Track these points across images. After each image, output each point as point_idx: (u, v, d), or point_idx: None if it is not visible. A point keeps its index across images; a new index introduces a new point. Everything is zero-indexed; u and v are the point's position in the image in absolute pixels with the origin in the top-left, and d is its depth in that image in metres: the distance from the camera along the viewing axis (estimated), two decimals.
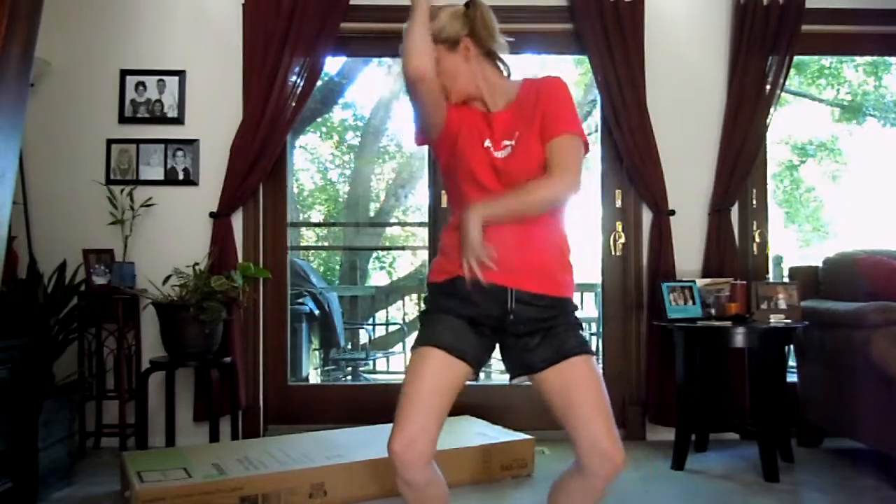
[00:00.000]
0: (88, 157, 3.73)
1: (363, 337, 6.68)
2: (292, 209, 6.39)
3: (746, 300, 3.42)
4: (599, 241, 3.96)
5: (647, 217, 3.85)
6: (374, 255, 8.24)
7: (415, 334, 1.79)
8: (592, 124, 6.18)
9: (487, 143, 1.77)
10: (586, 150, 1.76)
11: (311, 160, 8.31)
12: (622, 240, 3.91)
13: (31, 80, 2.72)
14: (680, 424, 3.29)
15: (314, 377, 6.01)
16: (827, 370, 3.40)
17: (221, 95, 3.76)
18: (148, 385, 3.40)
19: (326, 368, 6.26)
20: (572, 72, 6.41)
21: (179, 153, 3.75)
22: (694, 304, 3.42)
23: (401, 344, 6.69)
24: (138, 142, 3.74)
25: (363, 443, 3.04)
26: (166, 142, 3.75)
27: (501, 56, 1.85)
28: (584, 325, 1.85)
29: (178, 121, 3.76)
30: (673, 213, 3.79)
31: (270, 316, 3.87)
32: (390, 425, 1.67)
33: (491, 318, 1.75)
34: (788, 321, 3.26)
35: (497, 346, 1.83)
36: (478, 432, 3.27)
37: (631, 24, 3.75)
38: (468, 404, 3.43)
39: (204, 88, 3.78)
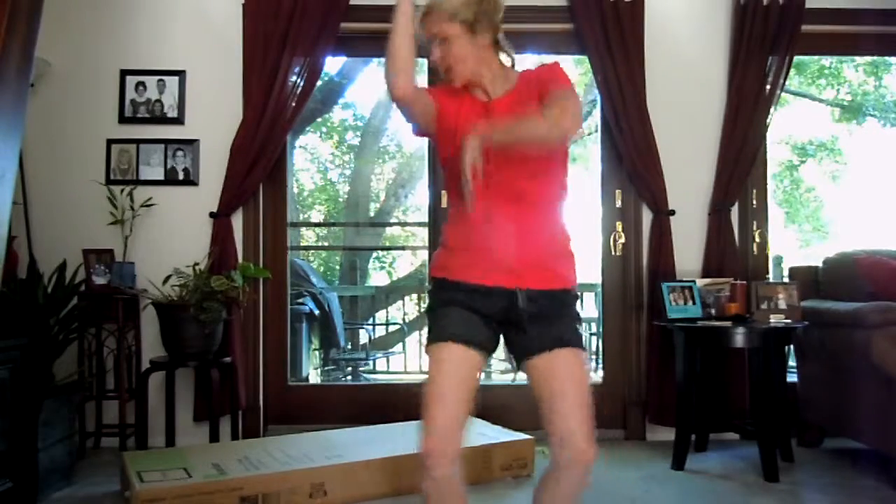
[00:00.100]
0: (88, 157, 3.73)
1: (363, 337, 6.66)
2: (292, 209, 6.39)
3: (746, 300, 3.42)
4: (599, 241, 3.96)
5: (647, 217, 3.86)
6: (374, 255, 8.22)
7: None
8: (592, 124, 6.19)
9: None
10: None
11: (311, 160, 8.30)
12: (622, 240, 3.91)
13: (31, 80, 2.72)
14: (680, 424, 3.29)
15: (314, 377, 6.01)
16: (827, 370, 3.40)
17: (221, 95, 3.76)
18: (148, 385, 3.40)
19: (326, 368, 6.25)
20: (572, 72, 6.40)
21: (179, 153, 3.75)
22: (694, 304, 3.42)
23: (401, 344, 6.68)
24: (138, 142, 3.74)
25: (363, 443, 3.03)
26: (166, 142, 3.75)
27: (506, 48, 1.86)
28: (584, 324, 1.85)
29: (178, 121, 3.76)
30: (673, 213, 3.79)
31: (270, 316, 3.87)
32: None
33: (496, 311, 1.77)
34: (788, 321, 3.26)
35: (502, 336, 1.85)
36: (478, 432, 3.26)
37: (631, 24, 3.76)
38: None
39: (204, 88, 3.78)
